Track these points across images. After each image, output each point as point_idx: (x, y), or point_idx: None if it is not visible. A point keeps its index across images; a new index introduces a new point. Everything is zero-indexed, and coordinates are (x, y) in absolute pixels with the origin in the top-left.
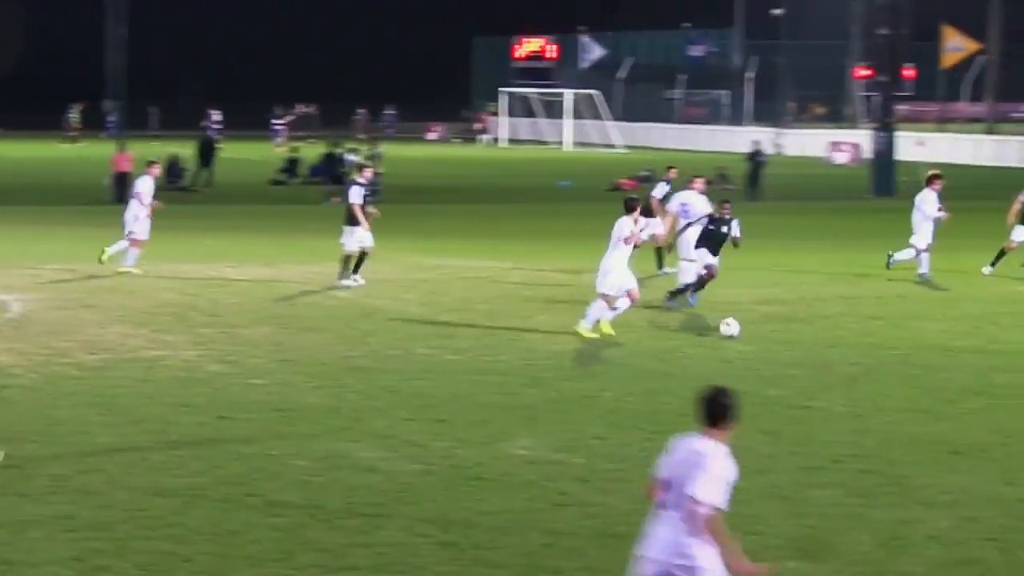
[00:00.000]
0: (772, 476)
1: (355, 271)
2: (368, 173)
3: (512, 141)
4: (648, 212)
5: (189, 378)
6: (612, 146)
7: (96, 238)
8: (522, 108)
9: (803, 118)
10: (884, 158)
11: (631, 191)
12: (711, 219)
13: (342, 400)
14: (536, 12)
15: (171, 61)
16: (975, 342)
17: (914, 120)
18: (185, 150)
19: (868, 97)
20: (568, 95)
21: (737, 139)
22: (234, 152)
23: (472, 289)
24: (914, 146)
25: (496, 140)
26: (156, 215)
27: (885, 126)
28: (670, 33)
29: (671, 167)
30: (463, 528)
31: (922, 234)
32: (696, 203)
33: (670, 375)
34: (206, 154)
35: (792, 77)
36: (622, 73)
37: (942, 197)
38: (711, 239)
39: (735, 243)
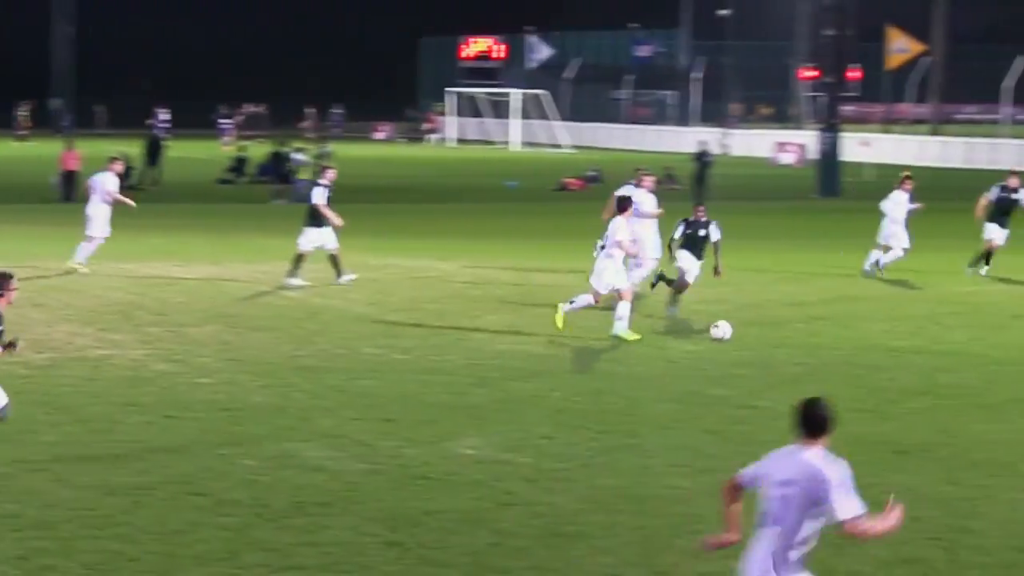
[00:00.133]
0: (715, 476)
1: (338, 273)
2: (331, 174)
3: (460, 141)
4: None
5: (136, 377)
6: (559, 146)
7: (43, 236)
8: (470, 108)
9: (750, 118)
10: (829, 159)
11: (579, 191)
12: (687, 223)
13: (289, 399)
14: (484, 12)
15: (118, 59)
16: (919, 342)
17: (859, 121)
18: (132, 149)
19: (814, 98)
20: (515, 95)
21: (684, 139)
22: (182, 151)
23: (420, 289)
24: (859, 147)
25: (444, 140)
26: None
27: (830, 127)
28: (617, 33)
29: (639, 169)
30: (410, 527)
31: (898, 235)
32: (645, 202)
33: (617, 375)
34: (153, 153)
35: (739, 78)
36: (569, 73)
37: (913, 197)
38: (691, 243)
39: (715, 246)
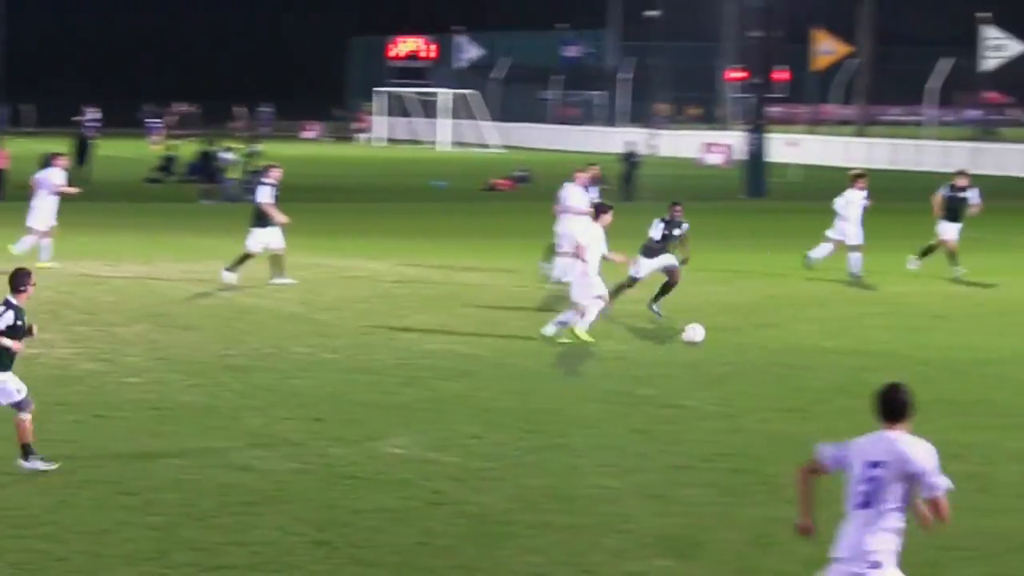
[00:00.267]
0: (643, 475)
1: (277, 273)
2: (276, 172)
3: (390, 140)
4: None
5: (64, 376)
6: (488, 146)
7: None
8: (399, 108)
9: (677, 119)
10: (756, 159)
11: (507, 191)
12: (666, 222)
13: (218, 399)
14: (414, 12)
15: (46, 58)
16: (846, 342)
17: (786, 122)
18: (61, 147)
19: (741, 99)
20: (444, 95)
21: (611, 140)
22: (110, 150)
23: (348, 288)
24: (786, 147)
25: (370, 140)
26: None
27: (757, 128)
28: (545, 34)
29: (592, 164)
30: (338, 527)
31: (850, 232)
32: (573, 196)
33: (544, 375)
34: (82, 152)
35: (666, 79)
36: (498, 73)
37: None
38: (667, 241)
39: (681, 242)
